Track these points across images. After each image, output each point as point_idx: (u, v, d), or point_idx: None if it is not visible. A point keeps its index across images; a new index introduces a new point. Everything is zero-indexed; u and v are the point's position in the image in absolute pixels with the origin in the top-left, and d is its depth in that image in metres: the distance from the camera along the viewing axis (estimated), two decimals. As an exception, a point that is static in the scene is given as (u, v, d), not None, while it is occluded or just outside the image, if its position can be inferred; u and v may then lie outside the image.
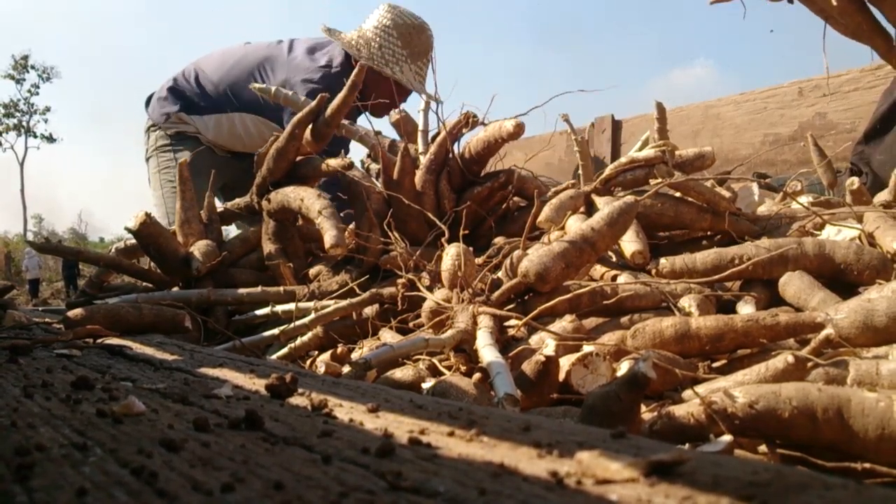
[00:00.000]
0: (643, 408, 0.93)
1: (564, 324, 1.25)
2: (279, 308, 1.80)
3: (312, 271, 2.04)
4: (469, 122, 2.03)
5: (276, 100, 2.52)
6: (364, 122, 2.70)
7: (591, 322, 1.36)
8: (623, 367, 1.08)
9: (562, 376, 1.07)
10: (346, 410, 0.70)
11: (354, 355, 1.45)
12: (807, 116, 3.02)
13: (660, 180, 1.71)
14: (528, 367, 1.04)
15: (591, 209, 1.87)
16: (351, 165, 1.95)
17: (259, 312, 1.85)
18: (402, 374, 1.20)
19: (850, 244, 1.39)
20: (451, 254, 1.49)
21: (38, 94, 35.03)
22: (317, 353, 1.66)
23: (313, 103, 2.00)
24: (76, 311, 1.50)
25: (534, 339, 1.26)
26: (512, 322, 1.30)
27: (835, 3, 1.35)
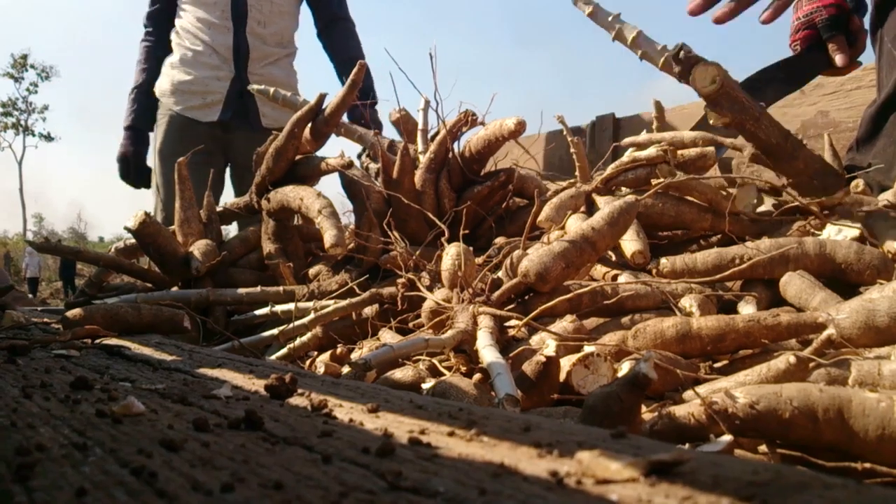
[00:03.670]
0: (644, 408, 0.93)
1: (565, 324, 1.25)
2: (278, 308, 1.79)
3: (312, 271, 2.04)
4: (469, 120, 2.03)
5: (273, 101, 2.52)
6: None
7: (591, 322, 1.35)
8: (624, 368, 1.08)
9: (562, 377, 1.07)
10: (346, 411, 0.70)
11: (354, 355, 1.45)
12: (809, 115, 3.02)
13: (661, 180, 1.71)
14: (528, 367, 1.04)
15: (591, 209, 1.87)
16: (350, 164, 1.95)
17: (258, 312, 1.85)
18: (401, 374, 1.20)
19: (851, 244, 1.39)
20: (451, 253, 1.49)
21: (36, 92, 35.07)
22: (316, 353, 1.65)
23: (312, 102, 2.00)
24: (75, 312, 1.50)
25: (534, 340, 1.26)
26: (512, 322, 1.29)
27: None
